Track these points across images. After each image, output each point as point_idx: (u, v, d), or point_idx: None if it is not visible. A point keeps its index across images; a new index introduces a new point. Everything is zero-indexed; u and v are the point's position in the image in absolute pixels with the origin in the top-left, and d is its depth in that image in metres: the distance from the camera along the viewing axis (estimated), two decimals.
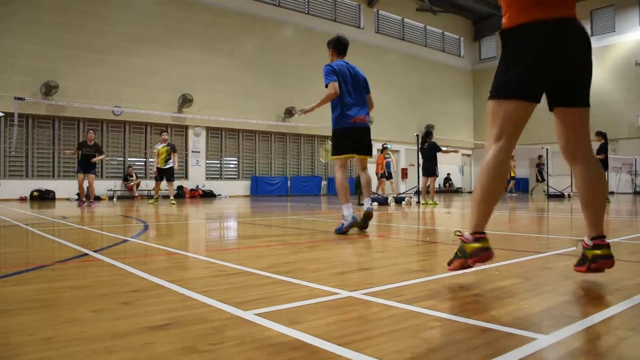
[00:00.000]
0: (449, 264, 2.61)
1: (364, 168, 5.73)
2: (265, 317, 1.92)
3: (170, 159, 13.36)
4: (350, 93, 5.47)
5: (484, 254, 2.39)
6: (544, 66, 2.38)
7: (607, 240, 2.52)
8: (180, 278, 2.82)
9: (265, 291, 2.42)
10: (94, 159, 12.39)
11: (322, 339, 1.64)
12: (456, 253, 2.58)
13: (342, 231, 5.14)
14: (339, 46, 5.72)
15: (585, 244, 2.56)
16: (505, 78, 2.47)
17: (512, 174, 23.17)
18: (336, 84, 5.33)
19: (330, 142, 6.18)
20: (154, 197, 13.67)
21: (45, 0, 17.13)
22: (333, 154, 5.58)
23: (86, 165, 12.44)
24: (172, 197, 13.59)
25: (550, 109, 2.55)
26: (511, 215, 8.66)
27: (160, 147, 13.48)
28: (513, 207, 11.64)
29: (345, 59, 5.72)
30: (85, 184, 12.55)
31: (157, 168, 13.46)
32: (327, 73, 5.41)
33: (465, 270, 2.72)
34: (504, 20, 2.51)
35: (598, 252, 2.48)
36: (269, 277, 2.77)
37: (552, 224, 6.96)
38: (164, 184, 13.69)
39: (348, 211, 5.24)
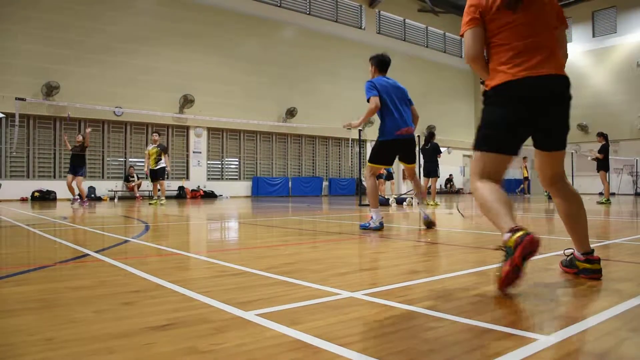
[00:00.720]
0: (500, 277, 2.29)
1: (413, 175, 6.27)
2: (266, 317, 1.92)
3: (160, 159, 13.32)
4: (396, 106, 5.86)
5: (527, 237, 2.23)
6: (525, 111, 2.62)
7: (597, 255, 2.72)
8: (181, 278, 2.82)
9: (267, 292, 2.42)
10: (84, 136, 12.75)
11: (324, 340, 1.64)
12: (503, 260, 2.32)
13: (367, 228, 5.69)
14: (381, 64, 6.08)
15: (577, 256, 2.77)
16: (489, 129, 2.71)
17: (525, 175, 23.24)
18: (377, 99, 5.71)
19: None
20: (154, 197, 13.65)
21: (47, 1, 17.15)
22: (370, 161, 5.95)
23: (74, 166, 12.67)
24: (162, 197, 13.43)
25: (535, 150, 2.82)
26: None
27: (151, 148, 13.49)
28: (517, 208, 11.63)
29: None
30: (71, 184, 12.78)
31: (149, 169, 13.49)
32: (368, 88, 5.82)
33: (468, 270, 2.71)
34: (487, 81, 2.74)
35: (588, 266, 2.70)
36: (270, 277, 2.77)
37: (553, 225, 6.95)
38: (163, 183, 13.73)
39: (377, 215, 5.71)
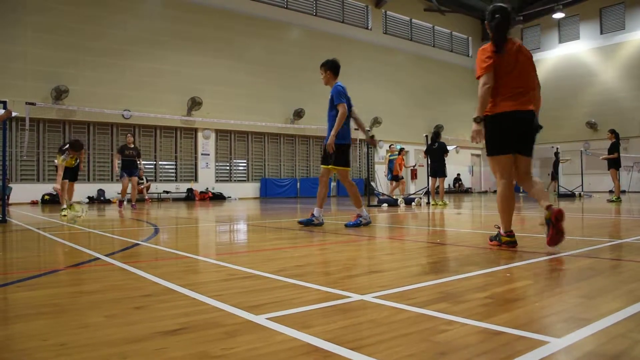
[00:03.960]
0: (491, 240, 4.18)
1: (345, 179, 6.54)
2: (277, 321, 1.93)
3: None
4: (351, 112, 6.39)
5: (512, 245, 3.97)
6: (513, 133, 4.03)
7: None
8: (191, 282, 2.83)
9: (277, 295, 2.43)
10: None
11: (334, 343, 1.64)
12: (496, 237, 4.10)
13: (359, 225, 6.16)
14: (337, 69, 6.50)
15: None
16: (493, 140, 4.08)
17: None
18: (345, 105, 6.12)
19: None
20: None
21: (55, 6, 17.27)
22: (336, 164, 6.27)
23: (128, 168, 12.24)
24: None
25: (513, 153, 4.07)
26: (522, 216, 8.62)
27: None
28: (523, 207, 11.57)
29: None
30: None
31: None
32: (339, 94, 6.18)
33: (478, 271, 2.71)
34: (487, 109, 4.05)
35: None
36: (280, 280, 2.77)
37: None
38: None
39: (365, 213, 6.31)
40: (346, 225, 6.26)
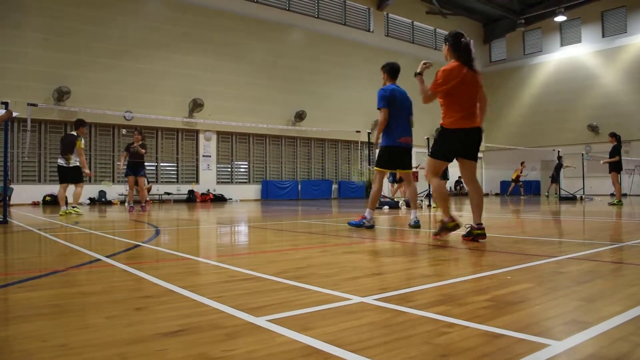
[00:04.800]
0: (435, 234, 5.00)
1: (410, 180, 6.71)
2: (277, 323, 1.93)
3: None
4: (402, 115, 6.36)
5: (457, 229, 4.85)
6: (462, 145, 4.78)
7: (484, 225, 4.68)
8: (192, 284, 2.83)
9: (277, 297, 2.43)
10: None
11: (335, 346, 1.64)
12: (441, 228, 4.90)
13: (360, 225, 6.24)
14: (392, 71, 6.52)
15: (473, 227, 4.65)
16: (442, 149, 4.83)
17: (513, 177, 23.58)
18: (386, 111, 6.21)
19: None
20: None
21: (57, 7, 17.31)
22: (377, 165, 6.47)
23: (134, 167, 11.87)
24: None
25: (459, 159, 4.87)
26: (524, 219, 8.61)
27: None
28: (526, 210, 11.56)
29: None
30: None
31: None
32: (380, 97, 6.25)
33: (479, 274, 2.70)
34: (443, 120, 4.79)
35: (479, 231, 4.61)
36: (281, 282, 2.77)
37: (564, 227, 6.91)
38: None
39: (371, 216, 6.31)
40: (349, 224, 6.48)
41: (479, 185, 4.87)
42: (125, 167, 12.02)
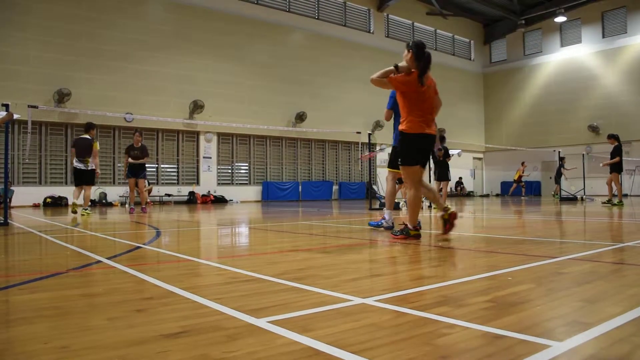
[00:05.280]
0: (395, 234, 5.16)
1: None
2: (278, 324, 1.93)
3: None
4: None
5: (418, 238, 4.97)
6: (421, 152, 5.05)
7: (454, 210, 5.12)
8: (193, 285, 2.83)
9: (278, 298, 2.43)
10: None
11: (336, 347, 1.64)
12: (402, 231, 5.06)
13: (379, 226, 6.29)
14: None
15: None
16: (410, 153, 5.02)
17: (515, 177, 23.54)
18: (392, 112, 6.12)
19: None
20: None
21: (58, 9, 17.33)
22: (389, 166, 6.53)
23: (135, 170, 11.69)
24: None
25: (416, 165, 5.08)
26: (525, 220, 8.61)
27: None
28: (527, 211, 11.56)
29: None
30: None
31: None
32: (390, 97, 6.21)
33: (479, 275, 2.70)
34: (403, 125, 5.01)
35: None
36: (282, 284, 2.77)
37: (565, 228, 6.91)
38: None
39: (390, 217, 6.28)
40: (369, 224, 6.63)
41: (426, 184, 5.31)
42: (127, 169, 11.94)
